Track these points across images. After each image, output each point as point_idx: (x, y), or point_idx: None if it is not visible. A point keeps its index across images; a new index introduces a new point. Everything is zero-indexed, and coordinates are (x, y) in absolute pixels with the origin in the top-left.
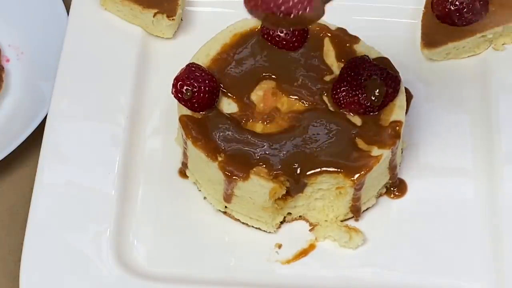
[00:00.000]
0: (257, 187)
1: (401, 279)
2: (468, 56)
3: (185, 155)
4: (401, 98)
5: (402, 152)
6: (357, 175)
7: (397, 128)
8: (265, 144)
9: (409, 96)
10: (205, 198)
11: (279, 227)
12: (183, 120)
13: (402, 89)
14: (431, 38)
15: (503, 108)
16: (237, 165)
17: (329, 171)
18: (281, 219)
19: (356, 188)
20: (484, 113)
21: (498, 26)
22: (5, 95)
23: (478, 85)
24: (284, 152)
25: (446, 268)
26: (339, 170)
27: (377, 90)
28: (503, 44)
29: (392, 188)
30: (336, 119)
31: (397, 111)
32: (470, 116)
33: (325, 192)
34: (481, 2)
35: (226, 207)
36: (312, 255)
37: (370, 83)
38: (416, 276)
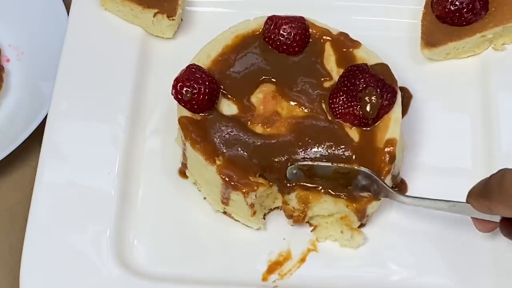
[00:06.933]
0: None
1: (401, 279)
2: (468, 56)
3: (184, 155)
4: (396, 111)
5: (402, 152)
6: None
7: (391, 149)
8: (264, 149)
9: (409, 96)
10: (205, 198)
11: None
12: (182, 121)
13: (398, 101)
14: (431, 38)
15: (503, 108)
16: (236, 171)
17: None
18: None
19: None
20: (484, 113)
21: (498, 26)
22: (5, 95)
23: (478, 85)
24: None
25: (446, 269)
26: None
27: (372, 102)
28: (503, 44)
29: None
30: (334, 137)
31: (392, 127)
32: (470, 116)
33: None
34: (481, 2)
35: (224, 208)
36: (312, 255)
37: (365, 95)
38: (416, 276)
